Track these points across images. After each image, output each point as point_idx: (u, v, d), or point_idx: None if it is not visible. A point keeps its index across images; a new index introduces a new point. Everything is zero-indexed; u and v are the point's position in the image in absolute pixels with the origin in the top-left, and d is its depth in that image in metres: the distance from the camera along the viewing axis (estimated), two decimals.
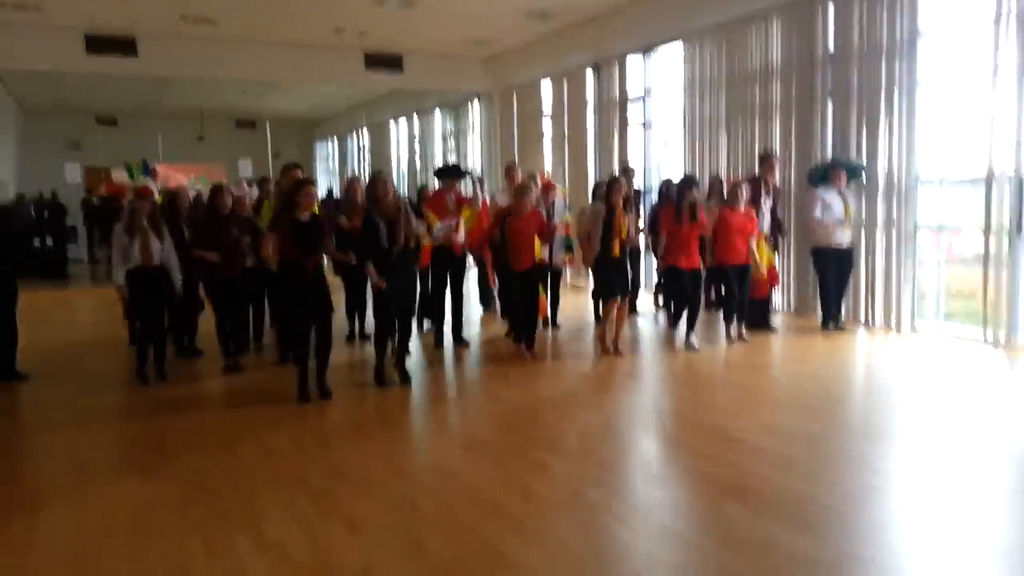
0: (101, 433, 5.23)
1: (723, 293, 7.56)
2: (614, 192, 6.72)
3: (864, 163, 7.93)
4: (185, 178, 8.59)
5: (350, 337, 7.84)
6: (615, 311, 6.97)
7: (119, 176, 12.81)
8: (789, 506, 3.68)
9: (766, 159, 8.04)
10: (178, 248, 6.47)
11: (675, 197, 7.40)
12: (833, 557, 3.18)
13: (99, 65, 12.09)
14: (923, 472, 4.20)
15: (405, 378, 6.14)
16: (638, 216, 8.58)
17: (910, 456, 4.48)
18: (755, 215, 7.43)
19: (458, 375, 6.72)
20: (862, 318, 8.13)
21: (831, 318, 7.87)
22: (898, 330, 7.79)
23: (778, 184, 8.21)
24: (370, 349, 6.57)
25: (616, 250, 6.74)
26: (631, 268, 8.90)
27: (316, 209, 5.95)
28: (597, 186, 8.07)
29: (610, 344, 6.98)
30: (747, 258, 7.27)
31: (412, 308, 6.22)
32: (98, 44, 11.74)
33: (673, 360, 6.94)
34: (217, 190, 6.83)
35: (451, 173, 7.51)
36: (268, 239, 5.55)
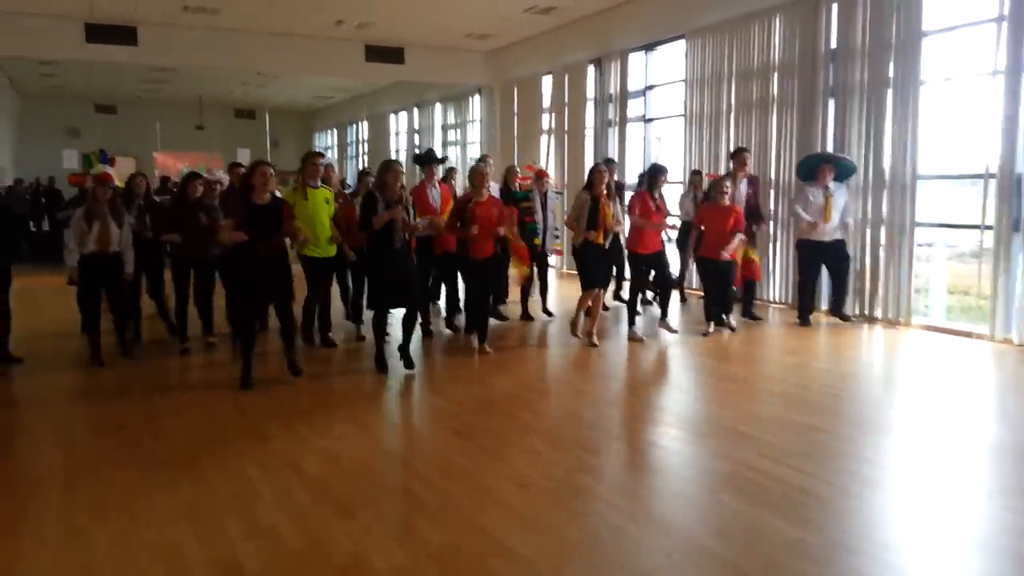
0: (91, 417, 5.22)
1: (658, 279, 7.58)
2: (597, 181, 6.77)
3: (856, 162, 7.94)
4: (183, 166, 8.57)
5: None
6: (591, 302, 7.01)
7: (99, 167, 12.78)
8: (781, 496, 3.69)
9: (737, 154, 8.08)
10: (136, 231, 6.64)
11: (649, 185, 7.38)
12: (823, 547, 3.18)
13: (99, 54, 12.07)
14: (914, 464, 4.21)
15: (409, 365, 6.15)
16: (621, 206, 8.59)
17: (902, 448, 4.49)
18: (740, 209, 7.45)
19: (449, 363, 6.70)
20: (859, 311, 8.15)
21: (807, 312, 7.91)
22: (895, 324, 7.80)
23: (756, 177, 8.28)
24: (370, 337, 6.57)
25: (600, 237, 6.77)
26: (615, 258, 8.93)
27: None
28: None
29: (583, 335, 7.03)
30: (719, 252, 7.24)
31: (414, 298, 6.23)
32: (98, 33, 11.71)
33: (662, 350, 6.96)
34: (189, 177, 7.00)
35: (428, 159, 7.47)
36: (226, 224, 5.60)
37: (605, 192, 6.78)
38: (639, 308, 7.49)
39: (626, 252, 7.67)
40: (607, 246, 6.89)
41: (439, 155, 7.79)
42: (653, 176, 7.31)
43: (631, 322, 7.31)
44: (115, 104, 21.80)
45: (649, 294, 8.70)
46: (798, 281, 8.16)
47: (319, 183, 6.76)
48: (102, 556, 3.19)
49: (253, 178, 5.62)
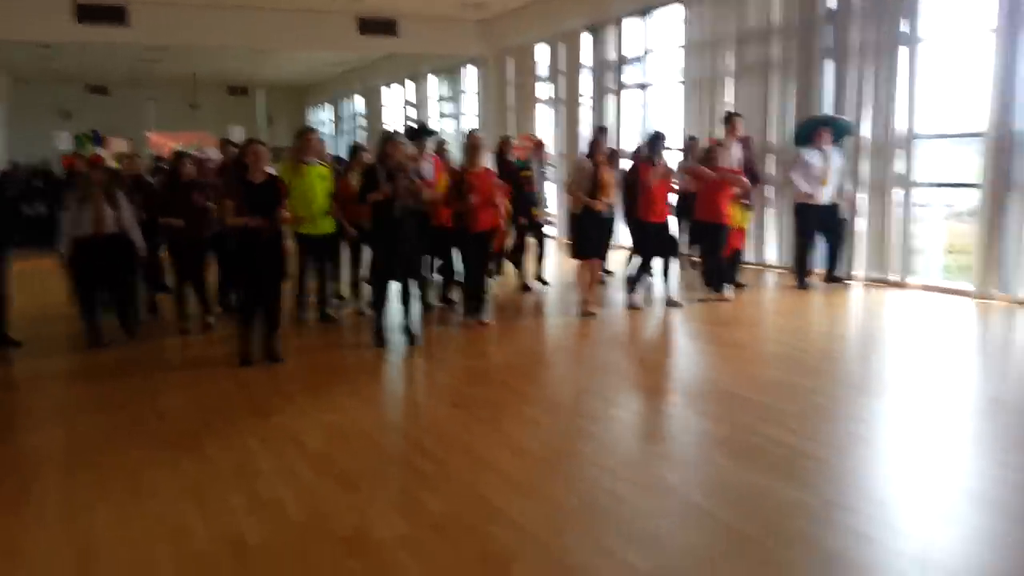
0: (92, 396, 5.24)
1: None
2: (596, 150, 6.78)
3: (852, 121, 7.88)
4: (177, 145, 8.53)
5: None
6: (587, 271, 6.98)
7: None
8: (778, 458, 3.72)
9: (728, 119, 8.02)
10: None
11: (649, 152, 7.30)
12: (820, 506, 3.21)
13: (89, 34, 11.95)
14: (909, 424, 4.23)
15: (411, 339, 6.17)
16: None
17: (897, 408, 4.52)
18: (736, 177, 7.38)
19: (449, 335, 6.71)
20: (857, 272, 8.15)
21: (804, 276, 7.90)
22: (893, 284, 7.81)
23: (749, 138, 8.21)
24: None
25: (601, 205, 6.75)
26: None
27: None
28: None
29: (581, 304, 7.00)
30: (720, 217, 7.23)
31: (415, 270, 6.21)
32: (88, 13, 11.57)
33: (659, 317, 6.97)
34: (178, 157, 6.92)
35: (420, 133, 7.43)
36: (225, 204, 5.55)
37: (603, 159, 6.74)
38: (640, 277, 7.41)
39: (624, 220, 7.62)
40: (605, 217, 6.87)
41: (432, 128, 7.73)
42: (653, 144, 7.18)
43: (631, 289, 7.30)
44: (107, 85, 21.62)
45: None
46: (797, 244, 8.14)
47: (315, 160, 6.71)
48: (105, 534, 3.22)
49: (245, 157, 5.58)
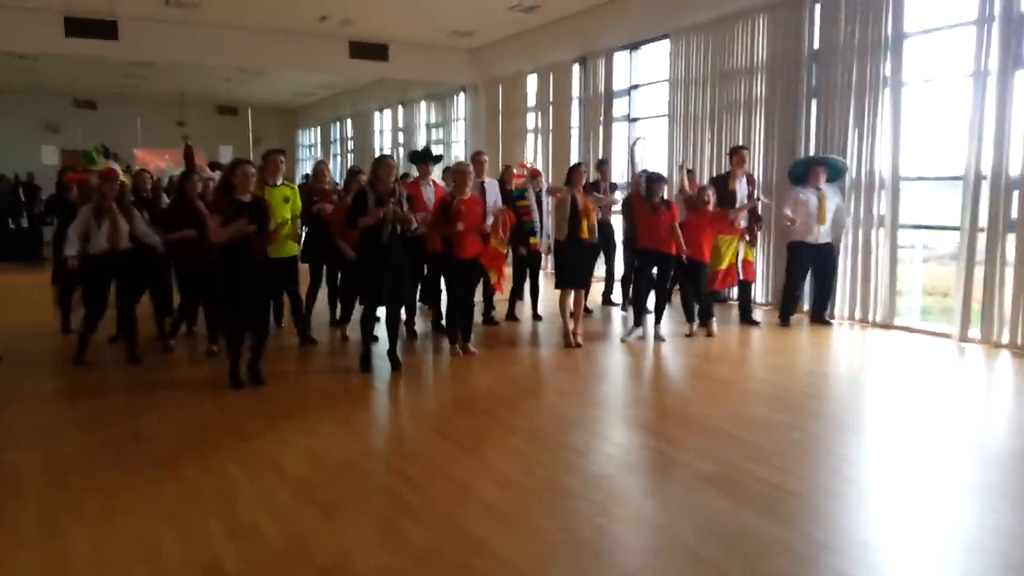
0: (71, 415, 5.17)
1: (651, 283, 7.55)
2: (576, 179, 6.89)
3: (846, 162, 8.00)
4: (164, 163, 8.48)
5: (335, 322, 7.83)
6: (568, 302, 7.04)
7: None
8: (763, 496, 3.71)
9: (735, 153, 8.13)
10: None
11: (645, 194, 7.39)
12: (806, 546, 3.21)
13: (79, 48, 11.91)
14: (894, 464, 4.25)
15: (396, 366, 6.13)
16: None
17: (882, 449, 4.54)
18: (726, 218, 7.52)
19: (435, 364, 6.69)
20: (842, 313, 8.23)
21: (788, 314, 8.01)
22: (876, 325, 7.88)
23: (752, 175, 8.31)
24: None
25: (585, 232, 6.84)
26: (607, 259, 8.91)
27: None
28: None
29: (572, 338, 7.04)
30: (702, 255, 7.34)
31: (402, 296, 6.21)
32: (78, 27, 11.56)
33: (645, 351, 6.99)
34: (187, 175, 6.91)
35: (424, 158, 7.47)
36: (214, 223, 5.54)
37: (582, 190, 6.88)
38: (627, 308, 7.45)
39: (619, 248, 7.70)
40: (585, 247, 6.95)
41: (438, 154, 7.76)
42: (650, 187, 7.18)
43: (637, 322, 7.34)
44: (95, 99, 21.54)
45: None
46: (785, 283, 8.20)
47: (279, 181, 6.67)
48: (82, 556, 3.16)
49: (234, 177, 5.56)
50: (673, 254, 7.12)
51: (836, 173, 7.88)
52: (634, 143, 7.96)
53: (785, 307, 8.05)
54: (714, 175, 8.98)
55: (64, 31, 11.47)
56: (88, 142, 18.56)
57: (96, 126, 20.99)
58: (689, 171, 9.00)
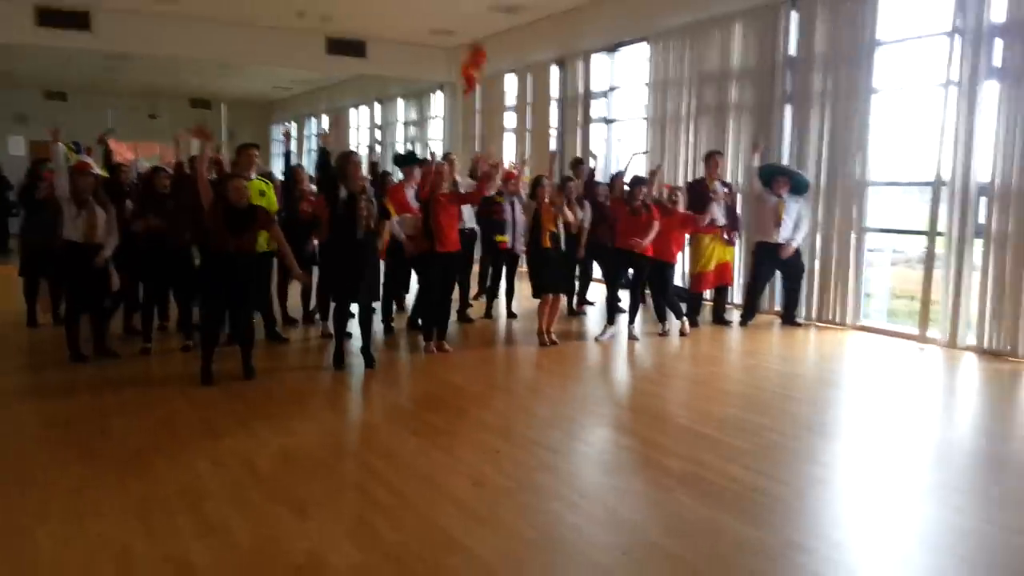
0: (35, 413, 5.07)
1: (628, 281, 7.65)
2: (539, 190, 6.95)
3: (810, 168, 8.11)
4: (132, 155, 8.33)
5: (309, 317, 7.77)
6: (544, 309, 7.09)
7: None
8: (735, 495, 3.74)
9: (709, 157, 8.20)
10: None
11: (626, 197, 7.44)
12: (777, 546, 3.24)
13: (50, 38, 11.68)
14: (864, 465, 4.31)
15: (370, 363, 6.10)
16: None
17: (852, 449, 4.61)
18: (693, 220, 7.61)
19: (409, 361, 6.66)
20: (809, 315, 8.33)
21: (750, 313, 8.14)
22: (844, 327, 7.98)
23: (726, 180, 8.38)
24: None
25: (546, 241, 6.90)
26: (583, 264, 8.93)
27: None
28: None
29: (545, 336, 7.09)
30: (671, 256, 7.50)
31: (375, 293, 6.19)
32: (50, 17, 11.34)
33: (619, 350, 7.02)
34: (154, 171, 6.77)
35: (409, 160, 7.46)
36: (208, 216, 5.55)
37: (547, 199, 6.93)
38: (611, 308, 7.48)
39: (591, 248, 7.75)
40: (557, 253, 7.01)
41: (422, 156, 7.75)
42: (632, 188, 7.22)
43: (610, 322, 7.39)
44: (65, 91, 21.19)
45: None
46: (747, 282, 8.35)
47: (253, 175, 6.62)
48: (47, 555, 3.10)
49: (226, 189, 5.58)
50: (649, 255, 7.17)
51: (798, 188, 7.96)
52: (634, 155, 7.98)
53: (748, 305, 8.19)
54: (689, 180, 9.04)
55: (35, 21, 11.26)
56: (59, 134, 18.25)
57: (66, 117, 20.62)
58: (653, 171, 8.79)
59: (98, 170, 6.48)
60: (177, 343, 6.69)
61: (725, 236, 7.98)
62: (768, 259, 8.03)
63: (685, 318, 7.64)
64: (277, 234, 5.80)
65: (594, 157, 9.57)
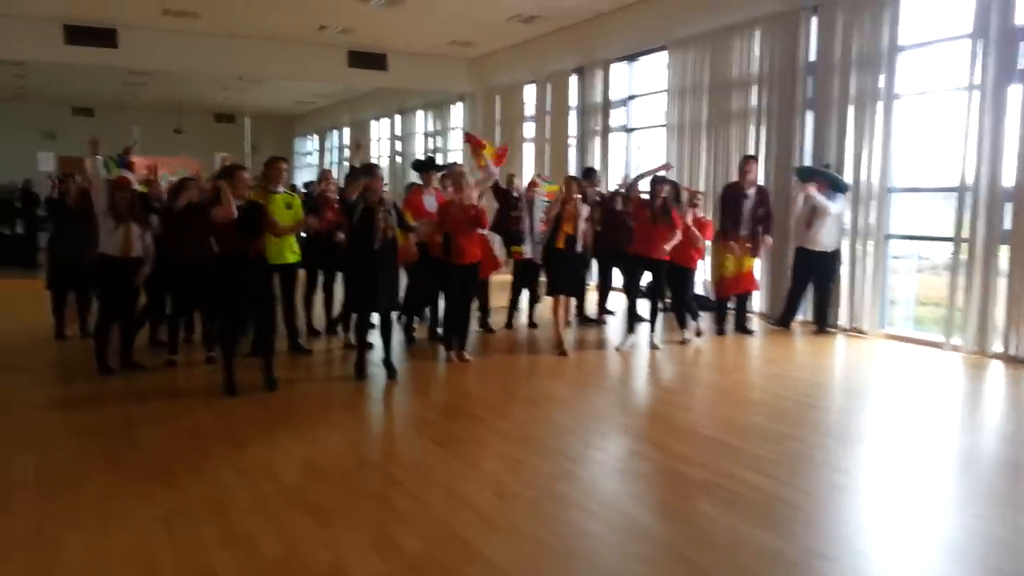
0: (65, 423, 5.15)
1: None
2: (566, 189, 7.07)
3: (847, 181, 8.03)
4: (148, 171, 8.41)
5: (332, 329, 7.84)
6: (557, 309, 7.09)
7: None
8: (757, 504, 3.72)
9: (744, 162, 8.17)
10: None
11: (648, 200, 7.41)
12: (798, 555, 3.22)
13: (78, 56, 11.93)
14: (887, 473, 4.26)
15: (392, 374, 6.14)
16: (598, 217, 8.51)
17: (875, 457, 4.56)
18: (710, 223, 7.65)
19: (431, 370, 6.69)
20: (835, 322, 8.24)
21: (789, 318, 8.12)
22: (869, 334, 7.90)
23: (764, 187, 8.33)
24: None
25: (560, 242, 6.94)
26: (603, 273, 8.91)
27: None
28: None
29: (555, 345, 7.10)
30: (690, 262, 7.46)
31: (394, 301, 6.23)
32: (77, 34, 11.59)
33: (640, 359, 7.00)
34: (181, 184, 6.79)
35: (427, 166, 7.50)
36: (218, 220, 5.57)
37: (573, 200, 6.98)
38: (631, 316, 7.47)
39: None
40: (572, 255, 7.02)
41: (441, 163, 7.83)
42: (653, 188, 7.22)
43: (630, 330, 7.37)
44: (92, 107, 21.58)
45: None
46: (790, 288, 8.24)
47: (281, 188, 6.70)
48: (74, 564, 3.15)
49: (231, 181, 5.60)
50: (665, 260, 7.16)
51: (837, 187, 7.89)
52: (660, 168, 7.89)
53: (788, 310, 8.14)
54: (705, 187, 9.03)
55: (64, 39, 11.50)
56: (85, 149, 18.58)
57: (94, 133, 20.96)
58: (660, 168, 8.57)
59: (137, 185, 6.57)
60: (202, 355, 6.77)
61: (748, 246, 7.89)
62: (806, 265, 7.95)
63: (700, 319, 7.64)
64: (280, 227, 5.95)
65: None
